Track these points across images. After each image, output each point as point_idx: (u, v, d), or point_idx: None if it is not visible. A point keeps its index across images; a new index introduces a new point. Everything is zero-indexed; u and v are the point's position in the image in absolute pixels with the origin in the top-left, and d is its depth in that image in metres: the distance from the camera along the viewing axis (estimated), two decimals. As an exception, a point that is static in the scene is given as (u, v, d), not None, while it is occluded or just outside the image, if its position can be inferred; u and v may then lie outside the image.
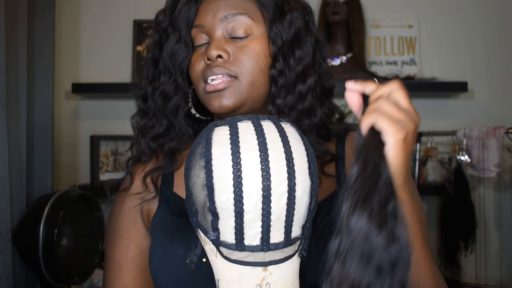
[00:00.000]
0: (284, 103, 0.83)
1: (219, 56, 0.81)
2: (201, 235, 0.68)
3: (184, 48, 0.85)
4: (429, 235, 0.84)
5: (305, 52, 0.85)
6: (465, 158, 1.94)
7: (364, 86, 0.65)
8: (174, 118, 0.88)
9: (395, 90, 0.63)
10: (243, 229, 0.64)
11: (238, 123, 0.67)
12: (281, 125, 0.68)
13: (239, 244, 0.64)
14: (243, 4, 0.83)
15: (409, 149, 0.81)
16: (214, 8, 0.83)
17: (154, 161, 0.91)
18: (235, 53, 0.81)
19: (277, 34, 0.84)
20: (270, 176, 0.63)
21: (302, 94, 0.84)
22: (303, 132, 0.82)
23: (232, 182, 0.62)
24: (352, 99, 0.68)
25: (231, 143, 0.64)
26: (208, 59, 0.81)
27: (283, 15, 0.84)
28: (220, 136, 0.66)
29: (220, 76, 0.81)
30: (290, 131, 0.68)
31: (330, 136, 0.90)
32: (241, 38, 0.82)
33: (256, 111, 0.85)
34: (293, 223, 0.66)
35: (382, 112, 0.61)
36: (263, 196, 0.62)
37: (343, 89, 2.28)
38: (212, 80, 0.81)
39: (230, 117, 0.69)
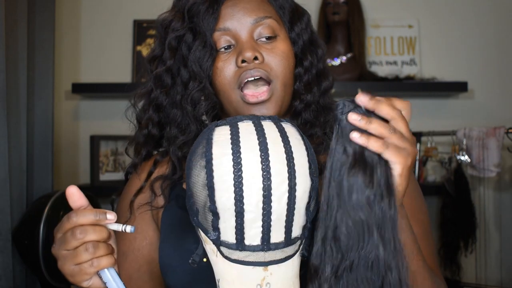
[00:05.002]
0: (312, 99, 0.87)
1: (255, 58, 0.80)
2: (202, 235, 0.68)
3: (210, 54, 0.83)
4: (433, 240, 0.85)
5: (323, 51, 0.90)
6: (465, 158, 1.94)
7: (376, 106, 0.63)
8: (202, 125, 0.86)
9: (399, 120, 0.63)
10: (243, 229, 0.64)
11: (239, 123, 0.67)
12: (281, 125, 0.68)
13: (240, 244, 0.64)
14: (265, 8, 0.85)
15: (410, 173, 0.86)
16: (240, 11, 0.83)
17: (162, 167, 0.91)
18: (267, 55, 0.82)
19: (298, 34, 0.87)
20: (270, 176, 0.63)
21: (326, 89, 0.89)
22: (323, 127, 0.87)
23: (233, 182, 0.62)
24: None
25: (231, 143, 0.64)
26: (243, 61, 0.80)
27: (300, 16, 0.88)
28: (221, 136, 0.66)
29: (260, 83, 0.81)
30: (291, 131, 0.68)
31: None
32: (269, 40, 0.83)
33: (285, 110, 0.87)
34: (294, 223, 0.66)
35: (390, 143, 0.62)
36: (264, 196, 0.62)
37: (343, 89, 2.26)
38: (250, 82, 0.81)
39: (231, 117, 0.69)
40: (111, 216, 0.66)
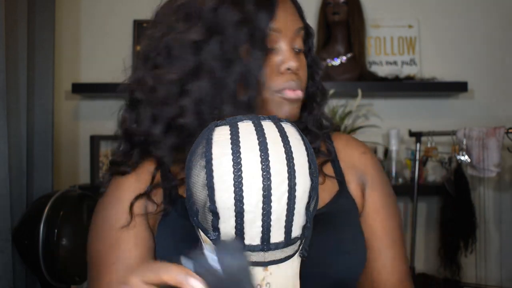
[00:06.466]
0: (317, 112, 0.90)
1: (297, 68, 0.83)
2: (202, 235, 0.68)
3: (263, 52, 0.79)
4: (404, 245, 0.88)
5: (322, 71, 0.93)
6: (465, 158, 1.94)
7: None
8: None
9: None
10: (243, 229, 0.64)
11: (238, 123, 0.67)
12: (281, 125, 0.68)
13: (240, 244, 0.65)
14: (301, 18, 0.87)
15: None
16: (292, 16, 0.84)
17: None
18: (299, 68, 0.84)
19: (309, 50, 0.90)
20: (270, 176, 0.63)
21: (322, 105, 0.92)
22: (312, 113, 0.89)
23: (233, 182, 0.62)
24: None
25: (231, 143, 0.64)
26: (288, 69, 0.82)
27: (309, 34, 0.90)
28: (221, 136, 0.66)
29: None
30: (291, 131, 0.68)
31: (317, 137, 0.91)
32: (299, 52, 0.85)
33: None
34: (293, 223, 0.66)
35: None
36: (264, 196, 0.62)
37: (343, 89, 2.26)
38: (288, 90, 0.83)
39: (231, 117, 0.69)
40: None
